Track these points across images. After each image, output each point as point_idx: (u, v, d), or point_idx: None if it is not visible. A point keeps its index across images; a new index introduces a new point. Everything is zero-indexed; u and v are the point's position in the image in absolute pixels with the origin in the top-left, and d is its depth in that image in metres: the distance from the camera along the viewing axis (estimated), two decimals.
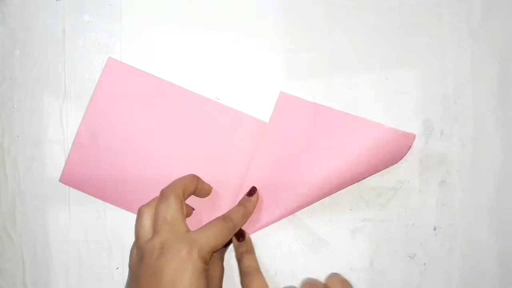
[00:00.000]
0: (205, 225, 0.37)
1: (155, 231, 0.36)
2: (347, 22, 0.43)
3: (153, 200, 0.38)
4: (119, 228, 0.43)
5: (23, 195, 0.44)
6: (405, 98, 0.43)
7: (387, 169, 0.42)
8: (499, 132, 0.43)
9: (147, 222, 0.37)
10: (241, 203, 0.41)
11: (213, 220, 0.38)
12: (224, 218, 0.38)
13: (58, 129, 0.44)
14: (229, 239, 0.38)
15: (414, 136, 0.42)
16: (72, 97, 0.44)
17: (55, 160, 0.43)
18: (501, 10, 0.43)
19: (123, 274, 0.43)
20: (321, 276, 0.41)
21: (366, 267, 0.42)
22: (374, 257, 0.42)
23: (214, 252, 0.37)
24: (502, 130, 0.43)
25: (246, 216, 0.40)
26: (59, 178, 0.43)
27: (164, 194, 0.38)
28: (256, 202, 0.41)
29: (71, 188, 0.43)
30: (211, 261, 0.38)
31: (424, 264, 0.42)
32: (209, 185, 0.42)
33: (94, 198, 0.43)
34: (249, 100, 0.43)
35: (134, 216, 0.39)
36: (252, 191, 0.41)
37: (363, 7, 0.43)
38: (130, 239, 0.41)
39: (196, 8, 0.44)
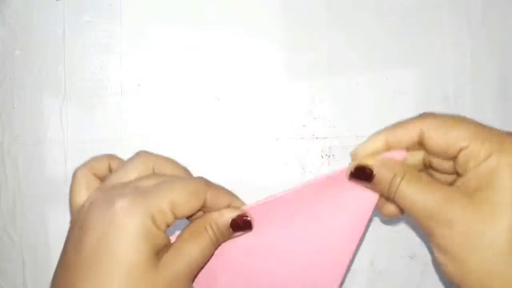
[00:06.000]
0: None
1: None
2: (347, 22, 0.43)
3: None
4: None
5: (23, 195, 0.44)
6: (405, 98, 0.43)
7: None
8: None
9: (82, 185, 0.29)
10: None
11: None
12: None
13: (58, 129, 0.44)
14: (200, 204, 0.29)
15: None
16: (72, 97, 0.44)
17: (55, 160, 0.43)
18: (501, 10, 0.43)
19: None
20: None
21: (366, 267, 0.42)
22: (374, 257, 0.42)
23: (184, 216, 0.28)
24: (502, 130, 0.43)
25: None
26: (59, 178, 0.43)
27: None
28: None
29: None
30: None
31: (424, 264, 0.42)
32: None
33: None
34: (249, 100, 0.43)
35: None
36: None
37: (363, 7, 0.43)
38: None
39: (196, 8, 0.44)
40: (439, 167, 0.29)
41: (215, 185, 0.31)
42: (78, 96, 0.44)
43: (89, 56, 0.44)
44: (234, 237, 0.31)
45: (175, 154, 0.43)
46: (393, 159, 0.29)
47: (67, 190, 0.44)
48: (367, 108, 0.43)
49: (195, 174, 0.43)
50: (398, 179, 0.27)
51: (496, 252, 0.24)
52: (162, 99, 0.44)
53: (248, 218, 0.30)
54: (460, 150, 0.26)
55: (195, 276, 0.30)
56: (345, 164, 0.30)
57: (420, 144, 0.28)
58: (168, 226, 0.28)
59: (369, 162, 0.29)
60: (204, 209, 0.30)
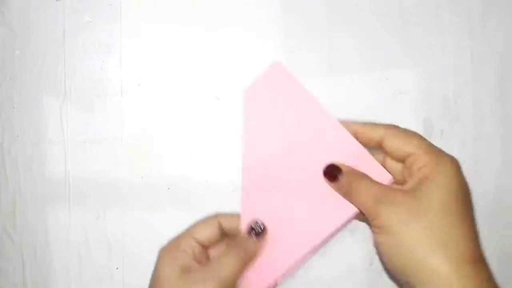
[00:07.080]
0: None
1: None
2: (347, 22, 0.43)
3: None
4: (119, 228, 0.43)
5: (23, 195, 0.44)
6: (405, 98, 0.43)
7: None
8: (499, 132, 0.43)
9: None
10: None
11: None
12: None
13: (58, 129, 0.44)
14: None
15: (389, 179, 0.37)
16: (72, 97, 0.44)
17: (55, 160, 0.43)
18: (501, 10, 0.43)
19: (123, 274, 0.43)
20: (320, 276, 0.41)
21: (366, 267, 0.42)
22: (374, 257, 0.42)
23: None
24: (502, 130, 0.43)
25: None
26: (59, 178, 0.43)
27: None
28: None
29: (71, 188, 0.43)
30: None
31: None
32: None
33: (94, 198, 0.43)
34: None
35: (135, 217, 0.39)
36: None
37: (363, 7, 0.43)
38: (130, 240, 0.41)
39: (196, 8, 0.44)
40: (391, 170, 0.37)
41: (227, 214, 0.39)
42: (78, 96, 0.44)
43: (89, 56, 0.44)
44: (258, 243, 0.37)
45: (175, 154, 0.43)
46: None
47: (67, 190, 0.44)
48: (367, 108, 0.43)
49: (195, 174, 0.43)
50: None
51: (424, 225, 0.32)
52: (162, 99, 0.44)
53: (259, 223, 0.38)
54: (408, 155, 0.35)
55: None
56: None
57: (379, 144, 0.36)
58: (194, 249, 0.37)
59: (340, 166, 0.37)
60: (227, 233, 0.39)
